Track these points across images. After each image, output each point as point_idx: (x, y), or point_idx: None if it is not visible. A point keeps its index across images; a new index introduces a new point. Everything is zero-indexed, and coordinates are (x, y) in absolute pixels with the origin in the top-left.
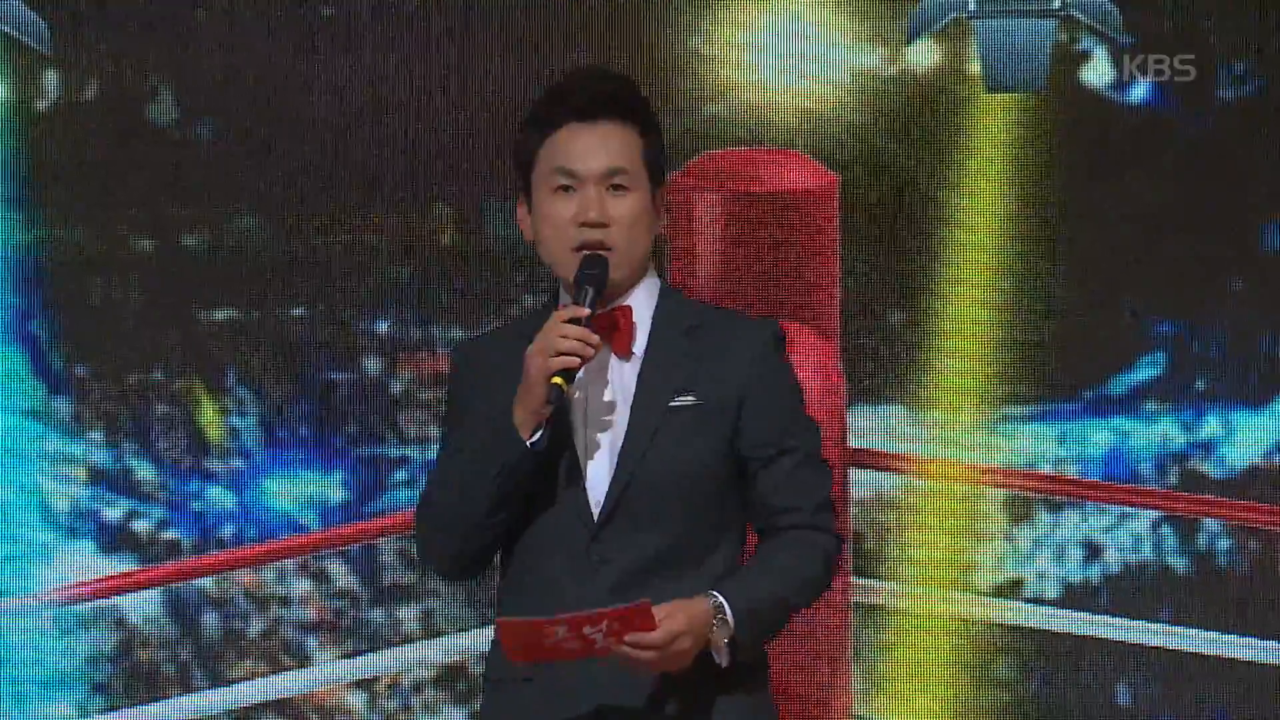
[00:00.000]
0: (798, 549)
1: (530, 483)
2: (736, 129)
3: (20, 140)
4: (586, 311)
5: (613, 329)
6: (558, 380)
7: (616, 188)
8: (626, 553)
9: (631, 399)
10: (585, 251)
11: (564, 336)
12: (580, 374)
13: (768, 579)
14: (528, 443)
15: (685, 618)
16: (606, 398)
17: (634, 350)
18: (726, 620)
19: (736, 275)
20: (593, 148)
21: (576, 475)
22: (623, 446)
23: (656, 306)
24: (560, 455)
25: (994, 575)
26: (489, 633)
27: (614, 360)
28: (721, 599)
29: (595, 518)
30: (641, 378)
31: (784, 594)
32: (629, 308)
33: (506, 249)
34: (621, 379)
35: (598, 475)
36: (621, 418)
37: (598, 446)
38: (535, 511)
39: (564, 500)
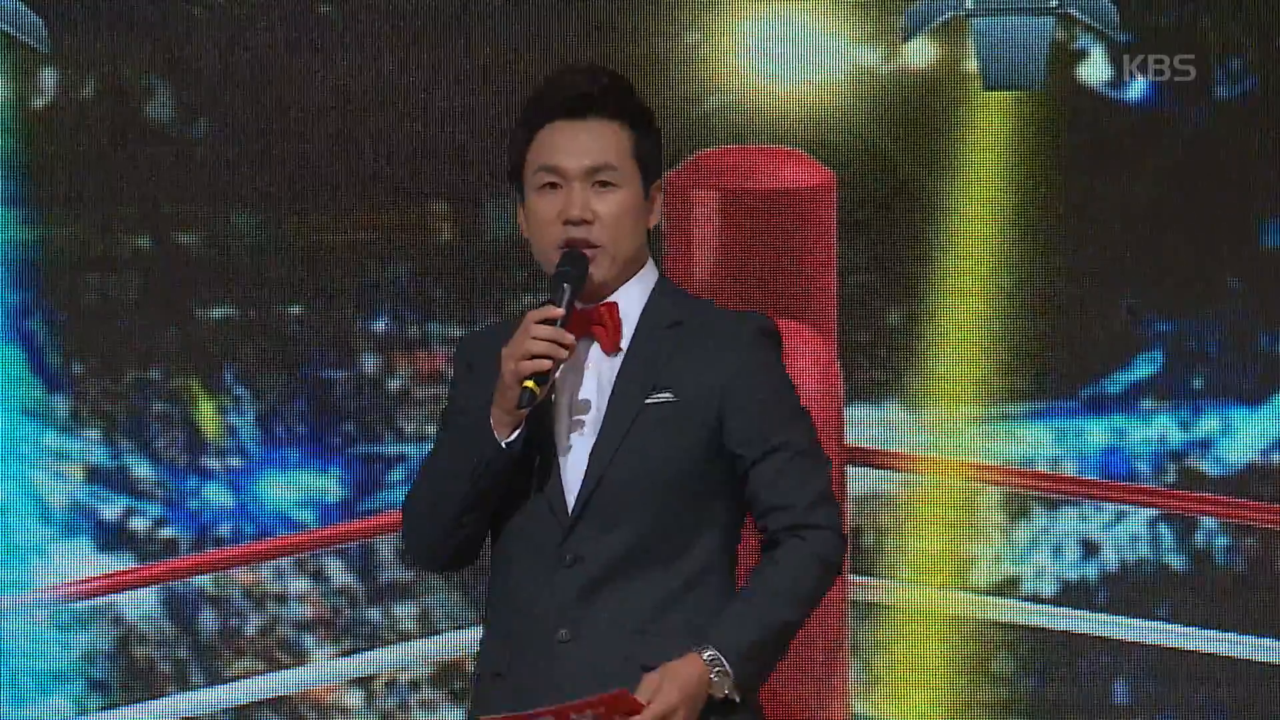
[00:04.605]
0: (790, 561)
1: (506, 481)
2: (733, 126)
3: (18, 138)
4: (560, 312)
5: (597, 325)
6: (529, 384)
7: (603, 184)
8: (597, 550)
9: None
10: (565, 249)
11: (536, 338)
12: (559, 371)
13: (763, 607)
14: (503, 443)
15: (678, 689)
16: (588, 395)
17: (621, 346)
18: (726, 671)
19: (734, 273)
20: (578, 144)
21: (553, 472)
22: (595, 445)
23: (647, 302)
24: (539, 452)
25: (991, 573)
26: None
27: (599, 356)
28: (716, 651)
29: (569, 515)
30: (621, 375)
31: (781, 618)
32: (614, 304)
33: (505, 246)
34: (605, 376)
35: (574, 472)
36: (600, 415)
37: (575, 444)
38: (514, 507)
39: (540, 497)
